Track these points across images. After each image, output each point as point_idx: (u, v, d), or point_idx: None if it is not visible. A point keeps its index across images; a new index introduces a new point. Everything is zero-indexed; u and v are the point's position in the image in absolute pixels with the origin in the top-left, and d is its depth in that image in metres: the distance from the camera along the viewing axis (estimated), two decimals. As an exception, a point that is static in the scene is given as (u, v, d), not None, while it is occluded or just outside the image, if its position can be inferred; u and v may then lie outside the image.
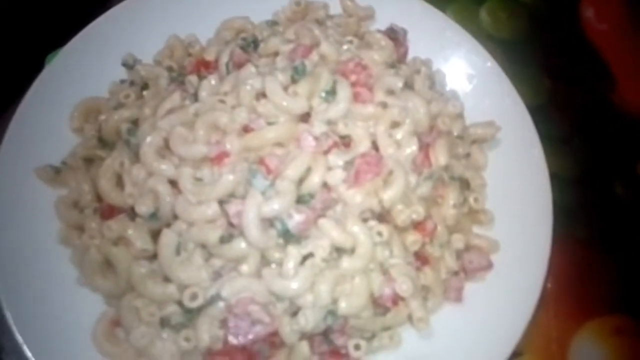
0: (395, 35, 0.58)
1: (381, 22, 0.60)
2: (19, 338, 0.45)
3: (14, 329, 0.46)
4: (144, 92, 0.54)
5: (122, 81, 0.56)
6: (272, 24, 0.58)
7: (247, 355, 0.44)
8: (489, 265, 0.51)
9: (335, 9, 0.61)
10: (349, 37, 0.55)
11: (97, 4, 0.64)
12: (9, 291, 0.47)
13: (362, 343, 0.46)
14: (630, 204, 0.62)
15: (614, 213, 0.62)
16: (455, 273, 0.50)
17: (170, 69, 0.55)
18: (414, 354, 0.48)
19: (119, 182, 0.48)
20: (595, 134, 0.66)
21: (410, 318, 0.48)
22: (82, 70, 0.56)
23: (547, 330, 0.55)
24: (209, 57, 0.54)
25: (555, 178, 0.55)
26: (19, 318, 0.46)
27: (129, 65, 0.57)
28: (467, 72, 0.60)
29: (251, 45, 0.55)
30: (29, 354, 0.45)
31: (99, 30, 0.58)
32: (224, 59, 0.53)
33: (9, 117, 0.54)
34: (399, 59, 0.57)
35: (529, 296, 0.50)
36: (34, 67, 0.60)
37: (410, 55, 0.59)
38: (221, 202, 0.45)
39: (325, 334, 0.46)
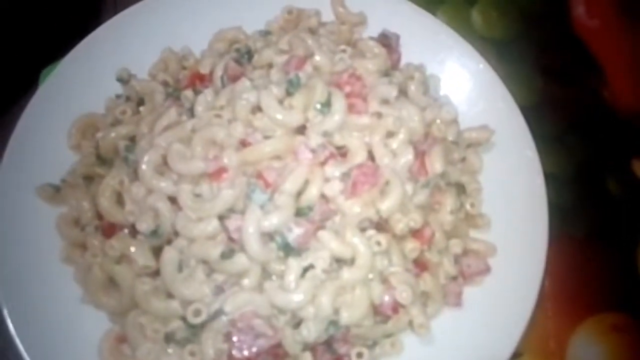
0: (388, 42, 0.58)
1: (372, 27, 0.61)
2: (26, 357, 0.46)
3: (20, 347, 0.46)
4: (140, 108, 0.54)
5: (118, 96, 0.57)
6: (265, 33, 0.58)
7: (251, 367, 0.45)
8: (486, 269, 0.52)
9: (327, 15, 0.61)
10: (342, 45, 0.55)
11: (88, 19, 0.64)
12: (14, 309, 0.47)
13: (365, 351, 0.47)
14: (625, 201, 0.63)
15: (609, 211, 0.62)
16: (454, 278, 0.51)
17: (165, 83, 0.55)
18: (416, 360, 0.49)
19: (119, 200, 0.49)
20: (589, 132, 0.66)
21: (411, 324, 0.48)
22: (78, 87, 0.56)
23: (545, 330, 0.56)
24: (204, 70, 0.55)
25: (550, 177, 0.56)
26: (25, 336, 0.46)
27: (124, 80, 0.57)
28: (460, 76, 0.60)
29: (245, 56, 0.55)
30: (36, 372, 0.46)
31: (92, 45, 0.58)
32: (219, 72, 0.53)
33: (3, 133, 0.54)
34: (392, 66, 0.57)
35: (527, 297, 0.51)
36: (28, 82, 0.61)
37: (403, 60, 0.60)
38: (221, 218, 0.45)
39: (328, 343, 0.47)
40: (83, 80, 0.56)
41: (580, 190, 0.63)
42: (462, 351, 0.49)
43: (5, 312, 0.47)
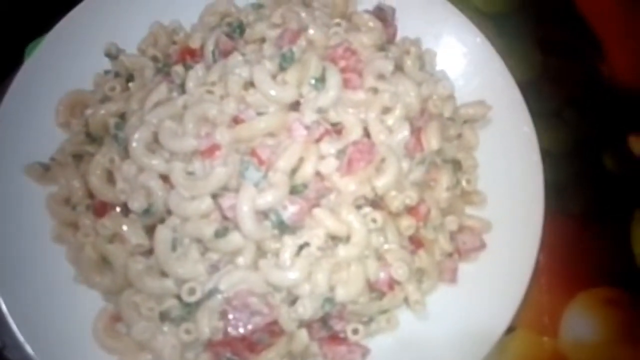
0: (383, 15, 0.57)
1: (367, 0, 0.59)
2: (20, 337, 0.46)
3: (14, 327, 0.46)
4: (130, 84, 0.53)
5: (107, 72, 0.55)
6: (258, 6, 0.57)
7: (247, 344, 0.45)
8: (482, 246, 0.52)
9: (320, -12, 0.59)
10: (337, 19, 0.54)
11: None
12: (8, 290, 0.47)
13: (360, 327, 0.47)
14: (621, 177, 0.63)
15: (605, 187, 0.62)
16: (449, 254, 0.51)
17: (155, 58, 0.54)
18: (411, 335, 0.49)
19: (110, 178, 0.48)
20: (586, 107, 0.66)
21: (406, 301, 0.49)
22: (64, 62, 0.55)
23: (539, 304, 0.57)
24: (194, 44, 0.53)
25: (546, 153, 0.56)
26: (19, 316, 0.46)
27: (113, 55, 0.55)
28: (457, 50, 0.59)
29: (237, 30, 0.53)
30: (30, 351, 0.46)
31: (79, 19, 0.56)
32: (210, 46, 0.51)
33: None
34: (388, 40, 0.56)
35: (522, 273, 0.51)
36: (13, 59, 0.59)
37: (399, 34, 0.58)
38: (214, 196, 0.45)
39: (324, 320, 0.47)
40: (69, 56, 0.55)
41: (577, 166, 0.62)
42: (457, 326, 0.50)
43: (-1, 292, 0.47)
